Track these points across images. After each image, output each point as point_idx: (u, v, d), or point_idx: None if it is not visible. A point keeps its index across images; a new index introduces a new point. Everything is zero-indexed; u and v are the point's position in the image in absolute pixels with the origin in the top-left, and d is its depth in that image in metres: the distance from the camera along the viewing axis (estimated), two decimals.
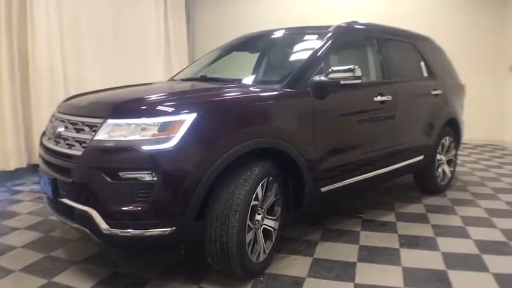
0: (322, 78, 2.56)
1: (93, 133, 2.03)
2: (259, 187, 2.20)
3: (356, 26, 3.28)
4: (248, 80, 3.14)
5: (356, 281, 2.25)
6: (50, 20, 4.72)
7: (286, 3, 7.53)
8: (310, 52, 2.80)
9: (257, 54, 3.67)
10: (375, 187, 4.00)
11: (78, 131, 2.15)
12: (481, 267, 2.42)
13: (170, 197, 1.94)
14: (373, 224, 3.11)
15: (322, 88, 2.60)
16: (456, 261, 2.49)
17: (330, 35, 2.95)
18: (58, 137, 2.25)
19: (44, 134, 2.58)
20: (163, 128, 1.95)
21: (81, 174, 2.02)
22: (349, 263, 2.46)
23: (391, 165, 3.26)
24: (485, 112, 6.80)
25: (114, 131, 1.98)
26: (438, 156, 3.88)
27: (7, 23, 4.22)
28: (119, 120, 2.00)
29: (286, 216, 2.54)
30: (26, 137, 4.51)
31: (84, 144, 2.05)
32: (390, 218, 3.26)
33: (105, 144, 1.96)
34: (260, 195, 2.23)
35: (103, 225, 1.92)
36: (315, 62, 2.71)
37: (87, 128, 2.10)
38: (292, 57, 3.27)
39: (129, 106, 2.19)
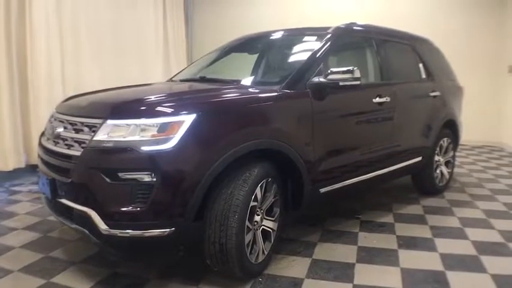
0: (321, 79, 2.57)
1: (93, 133, 2.03)
2: (258, 188, 2.21)
3: (355, 28, 3.29)
4: (247, 81, 3.14)
5: (355, 282, 2.26)
6: (48, 20, 4.71)
7: (285, 4, 7.54)
8: (309, 53, 2.81)
9: (256, 56, 3.67)
10: (373, 188, 4.01)
11: (77, 131, 2.15)
12: (479, 268, 2.43)
13: (169, 197, 1.94)
14: (371, 225, 3.12)
15: (321, 89, 2.60)
16: (454, 262, 2.50)
17: (328, 36, 2.96)
18: (57, 138, 2.25)
19: (43, 134, 2.58)
20: (163, 128, 1.95)
21: (80, 175, 2.02)
22: (347, 264, 2.47)
23: (390, 166, 3.27)
24: (483, 113, 6.83)
25: (113, 132, 1.98)
26: (436, 158, 3.89)
27: (6, 24, 4.21)
28: (119, 121, 2.00)
29: (285, 217, 2.54)
30: (25, 137, 4.50)
31: (83, 145, 2.05)
32: (388, 219, 3.27)
33: (105, 144, 1.96)
34: (259, 196, 2.24)
35: (102, 225, 1.93)
36: (314, 63, 2.72)
37: (86, 129, 2.10)
38: (291, 59, 3.27)
39: (129, 107, 2.19)
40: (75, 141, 2.12)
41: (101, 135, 1.99)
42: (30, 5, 4.43)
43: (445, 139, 3.99)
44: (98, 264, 2.44)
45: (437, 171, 3.94)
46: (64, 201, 2.12)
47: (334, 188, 2.74)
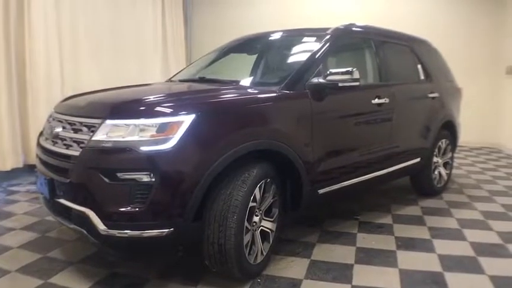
0: (321, 80, 2.57)
1: (91, 133, 2.02)
2: (257, 189, 2.21)
3: (354, 29, 3.30)
4: (246, 81, 3.14)
5: (353, 283, 2.26)
6: (47, 20, 4.70)
7: (284, 5, 7.54)
8: (308, 54, 2.81)
9: (255, 56, 3.67)
10: (371, 189, 4.01)
11: (76, 131, 2.15)
12: (477, 269, 2.43)
13: (168, 198, 1.94)
14: (370, 226, 3.12)
15: (320, 90, 2.61)
16: (452, 263, 2.50)
17: (328, 37, 2.96)
18: (56, 137, 2.24)
19: (41, 134, 2.57)
20: (162, 129, 1.95)
21: (78, 175, 2.01)
22: (346, 265, 2.47)
23: (388, 167, 3.27)
24: (482, 115, 6.84)
25: (112, 132, 1.98)
26: (435, 159, 3.90)
27: (4, 24, 4.20)
28: (118, 121, 2.00)
29: (284, 217, 2.54)
30: (23, 137, 4.49)
31: (82, 145, 2.04)
32: (387, 220, 3.27)
33: (104, 144, 1.95)
34: (258, 197, 2.24)
35: (100, 226, 1.92)
36: (313, 64, 2.72)
37: (85, 129, 2.09)
38: (291, 59, 3.28)
39: (128, 107, 2.19)
40: (74, 141, 2.11)
41: (99, 135, 1.98)
42: (29, 6, 4.42)
43: (444, 140, 4.00)
44: (96, 264, 2.43)
45: (436, 172, 3.94)
46: (62, 201, 2.11)
47: (332, 188, 2.74)
